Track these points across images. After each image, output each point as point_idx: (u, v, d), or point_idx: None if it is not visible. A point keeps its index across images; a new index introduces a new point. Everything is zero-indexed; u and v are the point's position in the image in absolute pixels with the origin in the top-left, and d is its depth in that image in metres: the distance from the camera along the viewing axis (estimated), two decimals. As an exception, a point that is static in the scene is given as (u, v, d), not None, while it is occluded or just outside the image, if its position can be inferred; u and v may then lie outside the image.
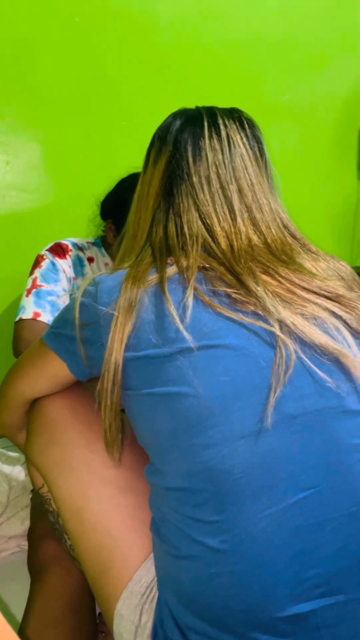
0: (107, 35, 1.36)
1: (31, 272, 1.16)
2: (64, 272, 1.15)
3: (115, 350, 0.54)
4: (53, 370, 0.65)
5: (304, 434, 0.50)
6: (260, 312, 0.53)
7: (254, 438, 0.49)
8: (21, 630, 0.76)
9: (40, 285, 1.13)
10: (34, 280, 1.14)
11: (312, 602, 0.49)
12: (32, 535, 0.88)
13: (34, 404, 0.71)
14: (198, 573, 0.51)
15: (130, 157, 1.33)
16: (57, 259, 1.16)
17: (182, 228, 0.61)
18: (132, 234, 0.68)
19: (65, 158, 1.38)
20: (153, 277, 0.57)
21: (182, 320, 0.53)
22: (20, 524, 1.01)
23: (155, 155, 0.66)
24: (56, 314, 1.12)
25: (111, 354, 0.54)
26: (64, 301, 1.14)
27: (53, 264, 1.15)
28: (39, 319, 1.11)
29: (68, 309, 0.62)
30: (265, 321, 0.52)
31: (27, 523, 1.01)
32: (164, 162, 0.65)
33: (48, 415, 0.68)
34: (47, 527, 0.87)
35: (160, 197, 0.64)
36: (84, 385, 0.72)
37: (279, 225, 0.63)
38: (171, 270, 0.57)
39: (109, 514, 0.61)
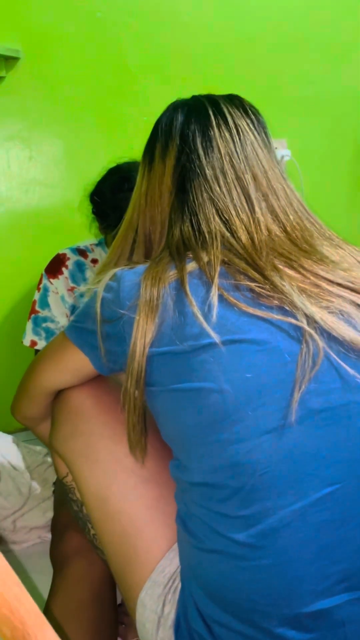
0: (129, 30, 1.37)
1: (37, 288, 1.19)
2: (56, 292, 1.17)
3: (139, 346, 0.54)
4: (75, 364, 0.65)
5: (329, 428, 0.50)
6: (287, 307, 0.52)
7: (279, 433, 0.49)
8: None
9: (37, 311, 1.18)
10: (34, 304, 1.19)
11: (336, 597, 0.49)
12: (55, 527, 0.89)
13: (59, 394, 0.72)
14: (224, 567, 0.51)
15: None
16: (50, 280, 1.18)
17: (199, 226, 0.59)
18: (142, 235, 0.65)
19: (86, 154, 1.39)
20: (172, 273, 0.56)
21: (205, 317, 0.52)
22: (41, 515, 1.03)
23: (161, 150, 0.63)
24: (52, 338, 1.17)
25: (135, 350, 0.54)
26: (62, 326, 1.16)
27: (46, 288, 1.18)
28: (35, 347, 1.17)
29: (89, 304, 0.61)
30: (293, 316, 0.52)
31: (48, 515, 1.02)
32: (173, 158, 0.62)
33: (72, 405, 0.69)
34: (70, 519, 0.88)
35: (174, 196, 0.62)
36: (107, 377, 0.72)
37: (295, 210, 0.61)
38: (191, 265, 0.56)
39: (133, 504, 0.62)
